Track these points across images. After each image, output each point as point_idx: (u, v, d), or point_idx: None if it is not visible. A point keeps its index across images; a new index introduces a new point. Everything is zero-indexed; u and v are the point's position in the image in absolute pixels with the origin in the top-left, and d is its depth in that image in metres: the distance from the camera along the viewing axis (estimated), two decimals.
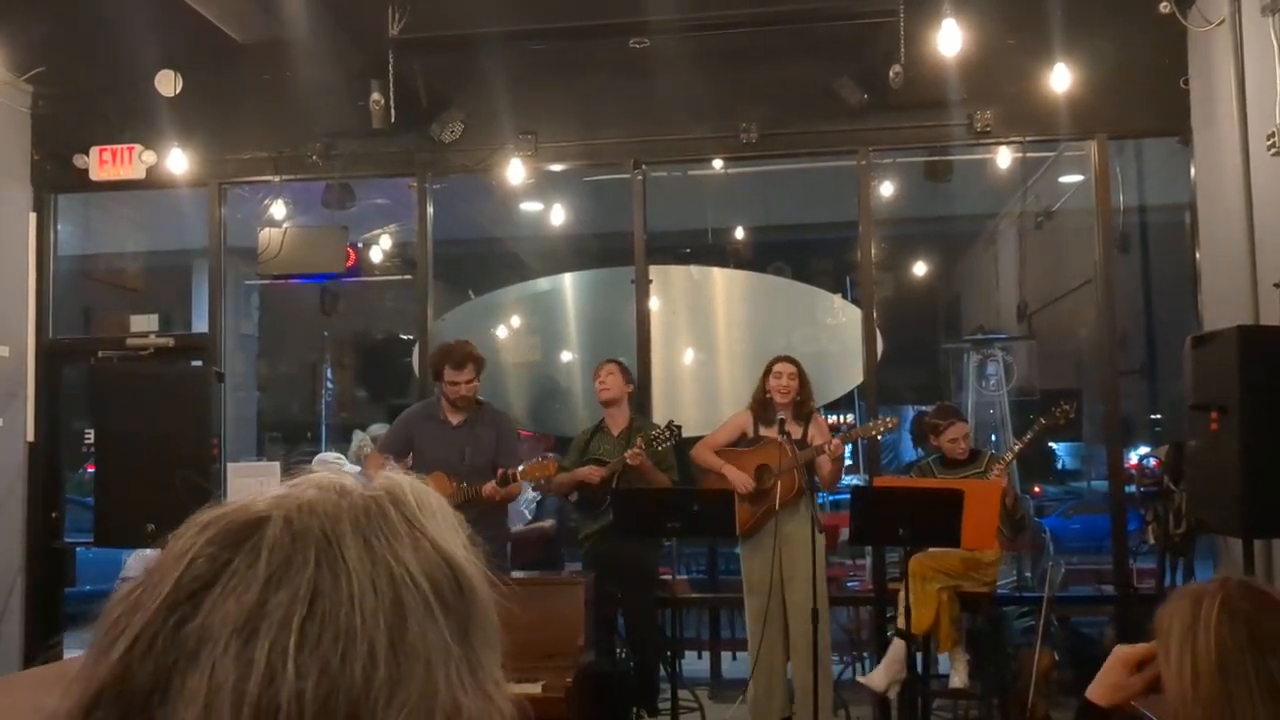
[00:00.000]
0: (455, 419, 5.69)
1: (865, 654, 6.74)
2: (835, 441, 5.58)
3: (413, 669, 0.58)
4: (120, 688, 0.57)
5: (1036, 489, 13.23)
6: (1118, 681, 1.88)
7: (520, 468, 5.48)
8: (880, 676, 5.60)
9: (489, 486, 5.38)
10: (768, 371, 5.83)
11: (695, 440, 6.04)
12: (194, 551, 0.60)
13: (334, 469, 0.70)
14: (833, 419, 6.14)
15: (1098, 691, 1.91)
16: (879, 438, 6.29)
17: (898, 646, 5.55)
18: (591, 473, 5.77)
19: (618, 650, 5.98)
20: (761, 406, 5.82)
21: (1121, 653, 1.88)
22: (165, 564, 0.60)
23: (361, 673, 0.56)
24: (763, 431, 5.77)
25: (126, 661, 0.57)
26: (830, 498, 6.01)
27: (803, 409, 5.79)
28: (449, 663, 0.60)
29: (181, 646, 0.56)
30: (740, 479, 5.67)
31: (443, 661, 0.59)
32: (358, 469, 6.32)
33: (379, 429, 7.86)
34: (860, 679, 5.76)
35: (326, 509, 0.62)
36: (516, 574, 5.59)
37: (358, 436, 7.83)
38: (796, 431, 5.71)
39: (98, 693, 0.57)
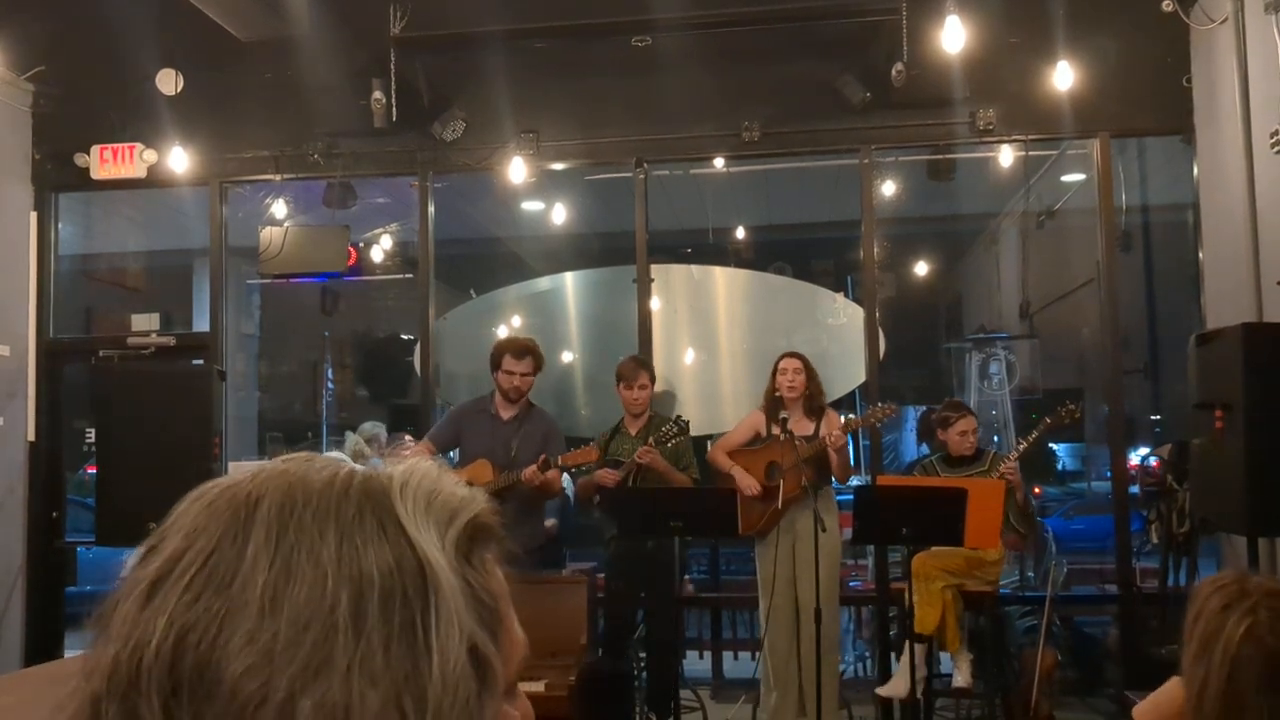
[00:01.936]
0: (506, 414, 5.80)
1: (867, 653, 6.74)
2: (835, 433, 5.55)
3: (273, 625, 0.56)
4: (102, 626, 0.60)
5: (1037, 490, 13.21)
6: (1172, 714, 1.81)
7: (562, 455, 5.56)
8: (898, 685, 5.55)
9: (529, 470, 5.42)
10: (775, 368, 5.83)
11: (705, 436, 6.02)
12: (178, 509, 0.63)
13: None
14: None
15: (1150, 715, 1.86)
16: (879, 427, 6.28)
17: (910, 652, 5.50)
18: (605, 476, 5.76)
19: (631, 651, 5.97)
20: (772, 404, 5.81)
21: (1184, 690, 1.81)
22: None
23: (224, 619, 0.56)
24: (775, 429, 5.76)
25: (110, 600, 0.61)
26: (835, 497, 5.97)
27: (812, 404, 5.77)
28: (349, 648, 0.56)
29: (128, 590, 0.60)
30: (747, 481, 5.66)
31: (324, 628, 0.56)
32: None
33: (371, 427, 7.86)
34: (880, 690, 5.72)
35: (269, 476, 0.62)
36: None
37: (350, 438, 7.82)
38: (808, 427, 5.69)
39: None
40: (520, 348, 5.79)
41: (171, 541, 0.60)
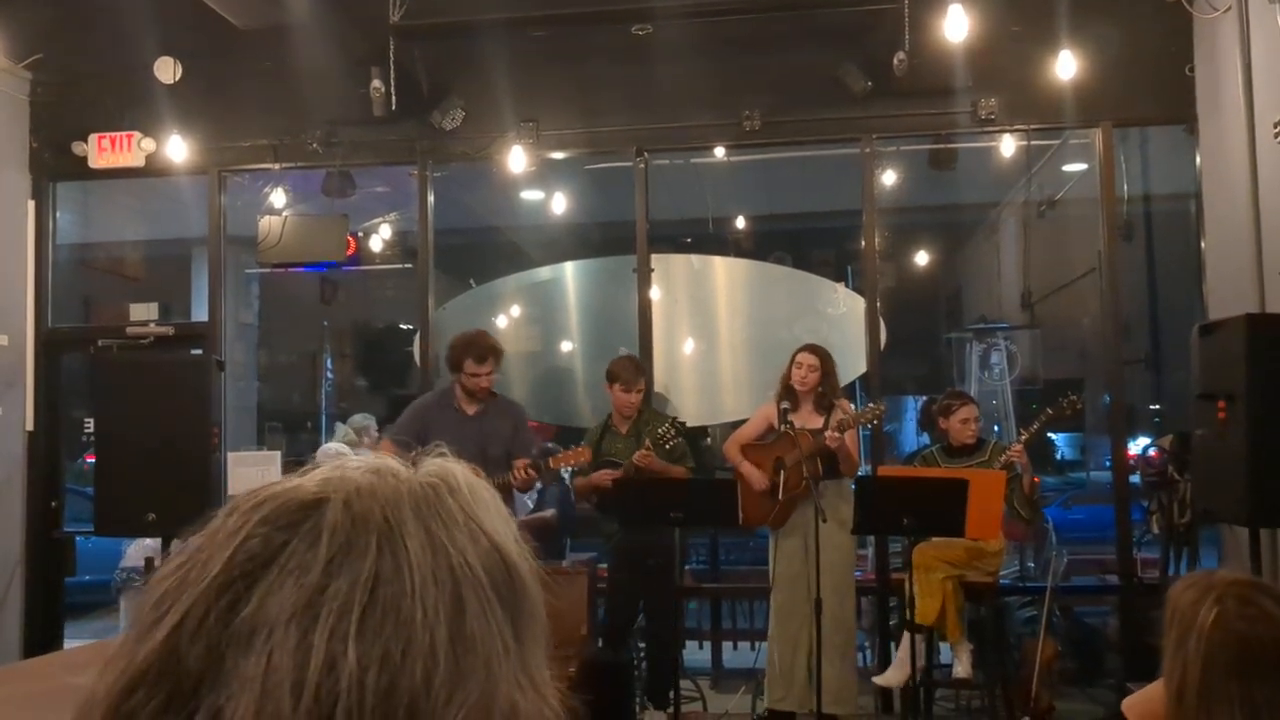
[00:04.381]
0: (470, 409, 5.70)
1: (866, 643, 6.73)
2: (829, 433, 5.52)
3: (473, 666, 0.56)
4: (166, 669, 0.54)
5: (1035, 479, 13.19)
6: (1161, 710, 1.82)
7: (555, 455, 5.49)
8: (895, 674, 5.56)
9: (519, 474, 5.35)
10: (792, 360, 5.78)
11: (702, 429, 5.96)
12: (247, 530, 0.57)
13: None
14: None
15: (1139, 711, 1.86)
16: (871, 425, 6.26)
17: (909, 642, 5.50)
18: (604, 477, 5.73)
19: (634, 642, 5.97)
20: (782, 394, 5.76)
21: None
22: (214, 542, 0.58)
23: (422, 670, 0.54)
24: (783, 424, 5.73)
25: (174, 642, 0.55)
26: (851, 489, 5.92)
27: (824, 400, 5.71)
28: (506, 660, 0.58)
29: (234, 629, 0.54)
30: (756, 477, 5.64)
31: (500, 659, 0.57)
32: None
33: (362, 419, 7.84)
34: (876, 680, 5.72)
35: (386, 493, 0.59)
36: None
37: (340, 429, 7.79)
38: (817, 422, 5.65)
39: (141, 673, 0.55)
40: (480, 352, 5.60)
41: (301, 565, 0.56)
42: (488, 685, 0.56)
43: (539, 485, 6.25)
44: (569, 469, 5.84)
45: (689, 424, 6.33)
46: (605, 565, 6.07)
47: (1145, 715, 1.85)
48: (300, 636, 0.53)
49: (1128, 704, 1.90)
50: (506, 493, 5.43)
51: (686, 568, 7.90)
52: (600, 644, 5.61)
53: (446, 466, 0.65)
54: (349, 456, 0.66)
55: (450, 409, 5.71)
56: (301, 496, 0.59)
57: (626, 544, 5.76)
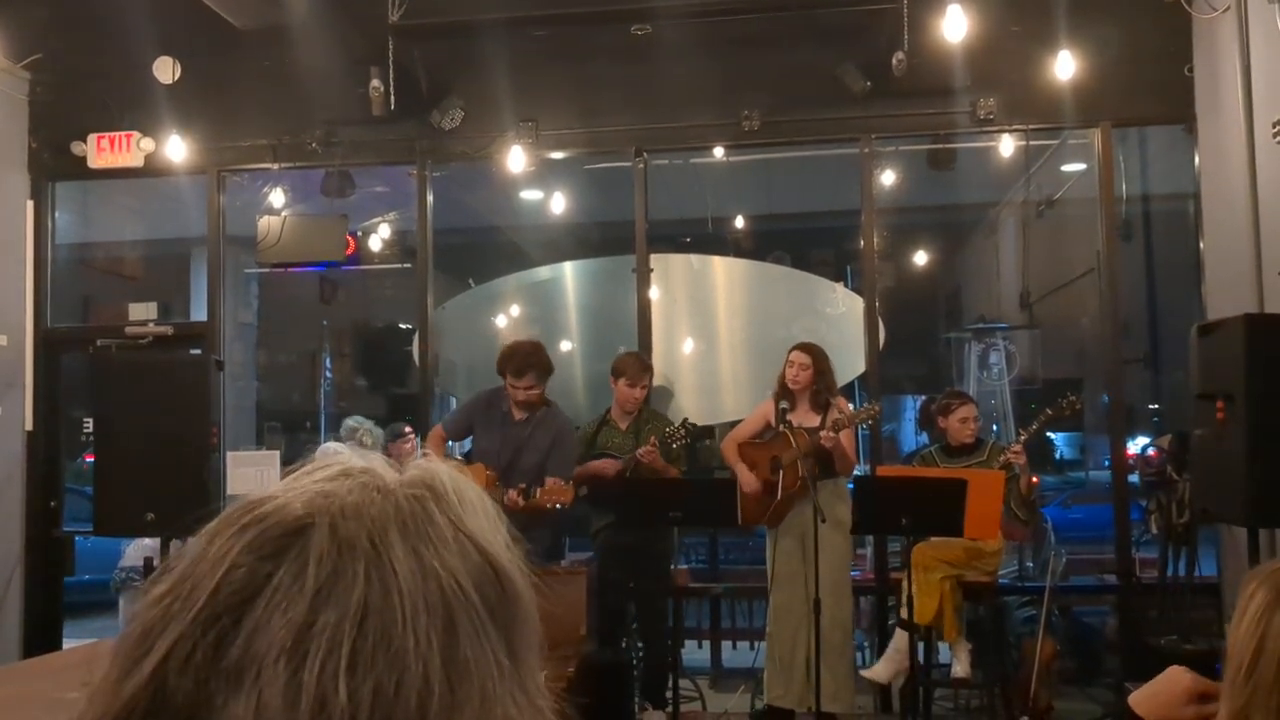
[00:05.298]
0: (519, 415, 5.69)
1: (865, 643, 6.74)
2: (824, 432, 5.51)
3: (468, 694, 0.55)
4: (153, 706, 0.54)
5: (1034, 478, 13.17)
6: (1171, 704, 1.81)
7: (543, 487, 5.42)
8: (883, 669, 5.57)
9: (510, 495, 5.34)
10: (787, 358, 5.78)
11: (706, 428, 5.95)
12: (232, 559, 0.56)
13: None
14: None
15: (1146, 706, 1.84)
16: (867, 425, 6.26)
17: (900, 638, 5.52)
18: (605, 466, 5.73)
19: (625, 641, 5.95)
20: (780, 393, 5.76)
21: (1186, 680, 1.78)
22: (198, 570, 0.57)
23: (417, 701, 0.54)
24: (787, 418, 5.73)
25: (160, 678, 0.54)
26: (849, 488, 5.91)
27: (819, 398, 5.71)
28: (501, 680, 0.58)
29: (222, 667, 0.53)
30: (746, 478, 5.65)
31: (495, 679, 0.57)
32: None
33: (356, 422, 7.82)
34: (864, 673, 5.73)
35: (372, 514, 0.58)
36: None
37: (346, 425, 7.76)
38: (814, 420, 5.66)
39: (127, 710, 0.54)
40: (519, 366, 5.56)
41: (288, 599, 0.55)
42: (483, 711, 0.56)
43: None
44: (559, 505, 5.69)
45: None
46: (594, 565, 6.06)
47: (1157, 708, 1.83)
48: (290, 675, 0.53)
49: (1135, 699, 1.88)
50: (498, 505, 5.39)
51: (684, 566, 7.91)
52: (596, 644, 5.60)
53: (431, 471, 0.63)
54: (346, 454, 0.65)
55: (499, 410, 5.73)
56: (286, 520, 0.57)
57: (614, 541, 5.77)
